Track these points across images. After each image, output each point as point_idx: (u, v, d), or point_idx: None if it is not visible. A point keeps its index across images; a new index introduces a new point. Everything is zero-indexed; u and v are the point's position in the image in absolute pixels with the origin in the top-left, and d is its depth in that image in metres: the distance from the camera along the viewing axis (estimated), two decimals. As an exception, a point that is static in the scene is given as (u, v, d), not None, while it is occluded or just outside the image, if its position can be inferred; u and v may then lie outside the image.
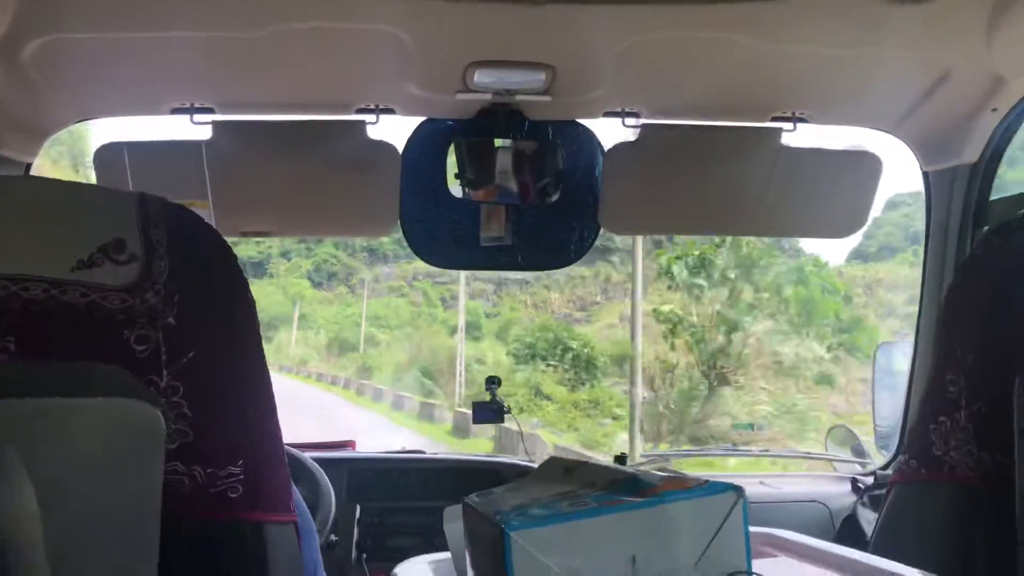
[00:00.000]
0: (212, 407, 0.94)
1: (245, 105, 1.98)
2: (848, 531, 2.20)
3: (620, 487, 0.76)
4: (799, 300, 18.45)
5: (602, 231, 2.16)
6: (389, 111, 2.00)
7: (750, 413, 17.32)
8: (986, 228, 1.95)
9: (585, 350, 22.60)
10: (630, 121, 2.03)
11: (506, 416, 2.39)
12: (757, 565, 1.02)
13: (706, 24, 1.64)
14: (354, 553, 2.14)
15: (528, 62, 1.76)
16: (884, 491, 1.41)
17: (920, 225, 2.17)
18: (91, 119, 2.03)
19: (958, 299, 1.26)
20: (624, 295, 25.70)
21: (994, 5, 1.55)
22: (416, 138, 2.08)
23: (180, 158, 1.95)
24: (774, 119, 2.04)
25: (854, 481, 2.31)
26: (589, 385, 21.95)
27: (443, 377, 23.95)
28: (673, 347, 18.64)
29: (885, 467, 2.32)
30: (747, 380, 18.01)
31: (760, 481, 2.40)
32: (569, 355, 22.42)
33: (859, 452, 2.49)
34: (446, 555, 0.99)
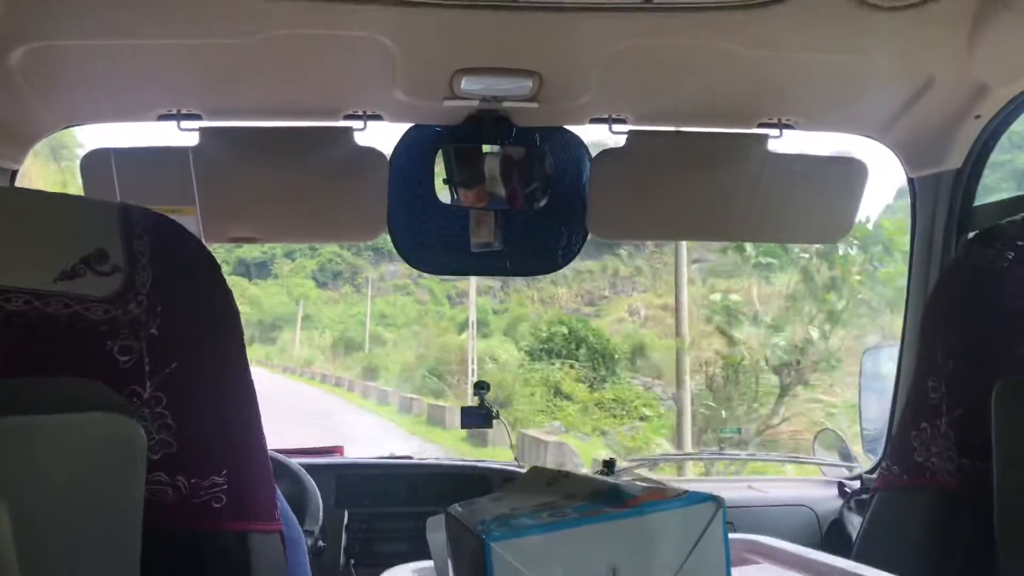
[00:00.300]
0: (195, 417, 0.94)
1: (232, 111, 1.98)
2: (834, 535, 2.21)
3: (601, 498, 0.77)
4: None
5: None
6: (377, 117, 2.01)
7: (830, 417, 14.33)
8: (969, 237, 1.97)
9: (602, 345, 21.26)
10: (617, 127, 2.04)
11: (495, 421, 2.39)
12: (740, 572, 1.03)
13: (692, 31, 1.65)
14: (342, 559, 2.14)
15: (515, 69, 1.77)
16: (869, 494, 1.42)
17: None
18: (77, 125, 2.03)
19: (939, 306, 1.27)
20: (632, 289, 25.39)
21: (976, 14, 1.56)
22: (404, 144, 2.09)
23: (167, 164, 1.94)
24: (760, 125, 2.06)
25: (841, 485, 2.33)
26: (610, 383, 20.56)
27: (453, 377, 22.54)
28: (732, 341, 16.44)
29: (871, 471, 2.34)
30: (836, 379, 14.61)
31: (748, 485, 2.41)
32: (583, 349, 21.07)
33: (846, 456, 2.51)
34: (431, 563, 0.99)
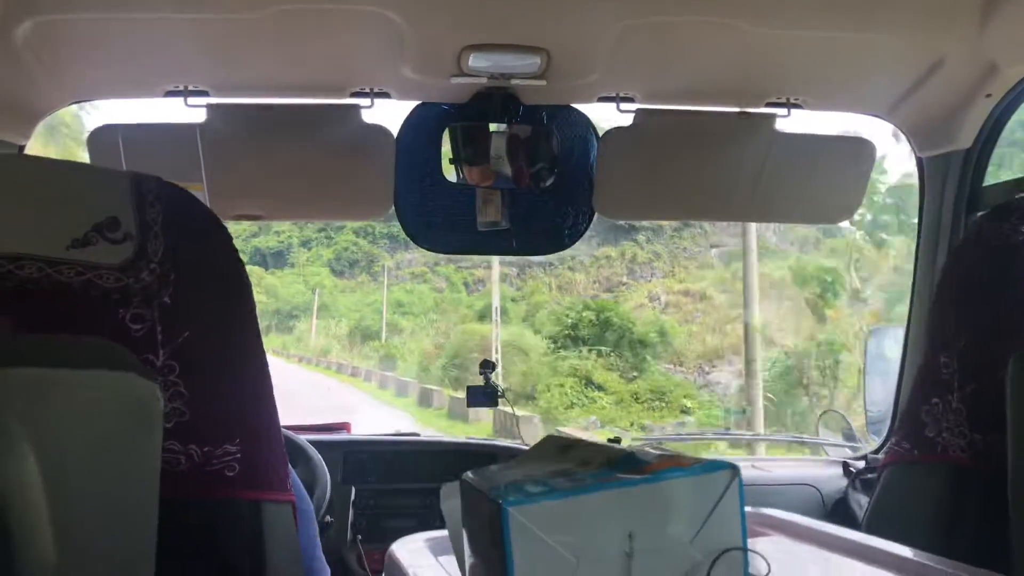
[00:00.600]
0: (208, 386, 0.94)
1: (239, 88, 1.97)
2: (839, 514, 2.22)
3: (617, 464, 0.77)
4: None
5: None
6: (384, 95, 2.00)
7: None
8: (979, 213, 1.96)
9: (632, 330, 19.72)
10: (625, 106, 2.03)
11: (500, 400, 2.39)
12: (750, 543, 1.04)
13: (701, 9, 1.64)
14: (349, 534, 2.15)
15: (523, 46, 1.76)
16: (875, 475, 1.42)
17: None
18: (84, 101, 2.02)
19: (951, 282, 1.27)
20: (651, 275, 24.85)
21: None
22: (411, 122, 2.08)
23: (174, 141, 1.94)
24: (768, 104, 2.05)
25: (845, 465, 2.33)
26: (642, 371, 19.08)
27: (474, 366, 21.52)
28: (822, 319, 15.25)
29: (876, 451, 2.34)
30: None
31: (752, 464, 2.42)
32: (610, 335, 19.50)
33: (850, 437, 2.51)
34: (442, 533, 1.00)
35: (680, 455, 0.79)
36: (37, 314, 0.88)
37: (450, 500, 0.87)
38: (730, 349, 19.56)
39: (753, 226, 14.90)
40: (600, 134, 2.10)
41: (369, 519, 2.21)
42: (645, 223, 23.46)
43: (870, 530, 1.25)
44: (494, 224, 2.12)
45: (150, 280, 0.91)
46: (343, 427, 2.47)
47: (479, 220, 2.12)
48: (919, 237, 2.13)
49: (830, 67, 1.94)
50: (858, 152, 2.10)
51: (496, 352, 19.51)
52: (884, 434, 2.34)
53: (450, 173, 2.11)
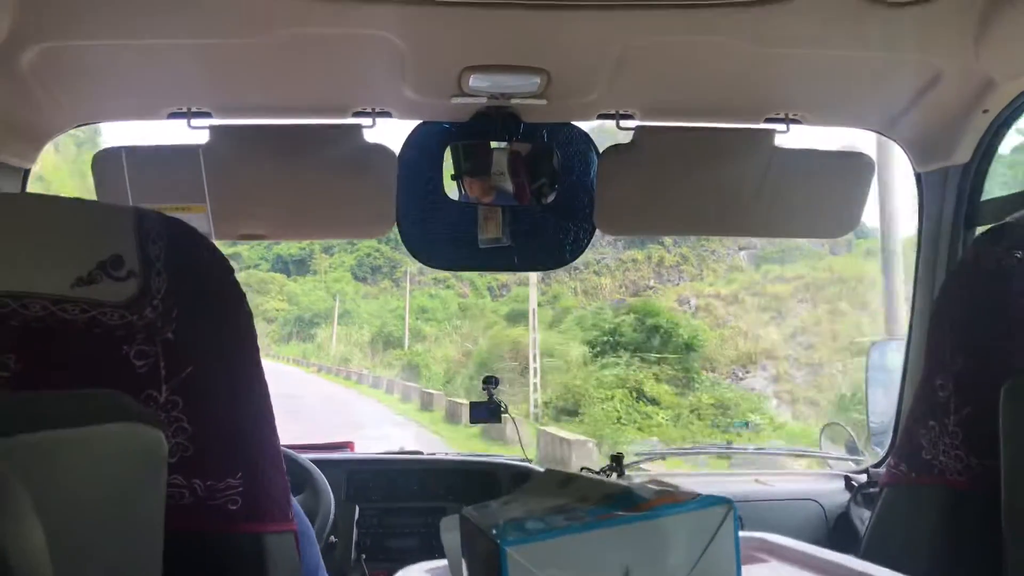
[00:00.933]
0: (211, 420, 0.96)
1: (242, 109, 1.99)
2: (842, 529, 2.23)
3: (614, 501, 0.78)
4: None
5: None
6: (385, 114, 2.02)
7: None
8: (977, 231, 1.97)
9: (680, 334, 17.52)
10: (625, 123, 2.05)
11: (503, 416, 2.40)
12: (749, 571, 1.04)
13: (699, 28, 1.65)
14: (353, 554, 2.16)
15: (523, 66, 1.77)
16: (877, 490, 1.42)
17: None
18: (88, 124, 2.04)
19: (947, 304, 1.27)
20: (679, 279, 24.47)
21: (983, 9, 1.56)
22: (412, 141, 2.10)
23: (178, 163, 1.95)
24: (767, 120, 2.06)
25: (847, 479, 2.34)
26: (692, 381, 16.93)
27: (505, 376, 17.77)
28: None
29: (878, 464, 2.35)
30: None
31: (755, 479, 2.42)
32: (656, 340, 17.37)
33: (853, 449, 2.52)
34: (444, 563, 1.01)
35: (677, 490, 0.80)
36: (42, 353, 0.89)
37: (450, 533, 0.88)
38: (763, 354, 19.05)
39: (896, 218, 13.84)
40: (600, 150, 2.11)
41: (373, 538, 2.22)
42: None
43: (869, 551, 1.26)
44: (495, 241, 2.14)
45: (153, 317, 0.92)
46: (346, 446, 2.48)
47: (480, 237, 2.14)
48: (918, 253, 2.14)
49: (828, 83, 1.95)
50: (857, 167, 2.11)
51: (534, 360, 17.73)
52: (887, 446, 2.34)
53: (452, 191, 2.12)
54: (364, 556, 2.17)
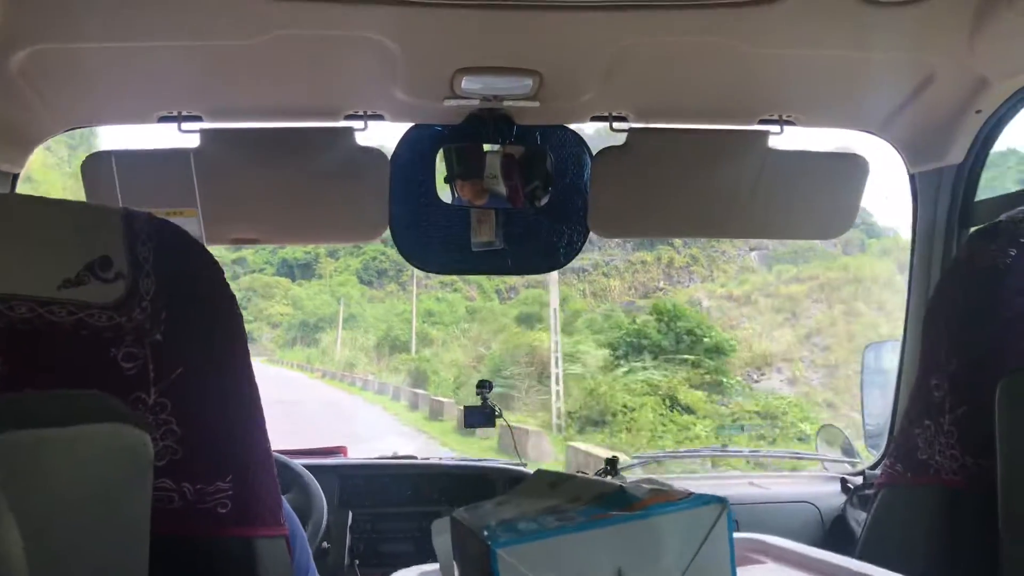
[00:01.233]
0: (200, 423, 0.94)
1: (233, 113, 1.98)
2: (838, 531, 2.22)
3: (606, 501, 0.77)
4: None
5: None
6: (378, 117, 2.01)
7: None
8: (970, 231, 1.97)
9: (709, 335, 16.07)
10: (618, 125, 2.04)
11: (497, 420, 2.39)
12: (745, 572, 1.03)
13: (692, 29, 1.64)
14: (347, 559, 2.14)
15: (515, 68, 1.77)
16: (873, 491, 1.42)
17: None
18: (78, 128, 2.03)
19: (942, 304, 1.27)
20: (689, 280, 23.94)
21: (976, 9, 1.56)
22: (405, 144, 2.09)
23: (168, 166, 1.94)
24: (761, 122, 2.06)
25: (843, 481, 2.33)
26: (722, 386, 15.42)
27: (523, 383, 17.59)
28: None
29: (874, 466, 2.34)
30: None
31: (750, 482, 2.42)
32: (682, 344, 15.83)
33: (848, 452, 2.51)
34: (437, 566, 1.00)
35: (671, 489, 0.79)
36: (28, 355, 0.88)
37: (441, 536, 0.87)
38: (779, 356, 18.61)
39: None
40: (593, 152, 2.11)
41: (367, 543, 2.21)
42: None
43: (865, 552, 1.25)
44: (488, 244, 2.13)
45: (142, 318, 0.91)
46: (339, 451, 2.47)
47: (473, 240, 2.13)
48: (913, 253, 2.13)
49: (821, 84, 1.95)
50: (851, 168, 2.11)
51: (556, 366, 15.99)
52: (882, 448, 2.34)
53: (445, 194, 2.11)
54: (358, 562, 2.16)
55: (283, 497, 1.14)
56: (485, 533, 0.73)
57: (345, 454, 2.47)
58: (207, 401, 0.96)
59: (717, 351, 16.46)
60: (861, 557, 1.09)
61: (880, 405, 2.44)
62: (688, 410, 14.68)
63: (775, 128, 2.06)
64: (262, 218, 2.07)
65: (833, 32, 1.67)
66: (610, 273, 25.61)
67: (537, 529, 0.73)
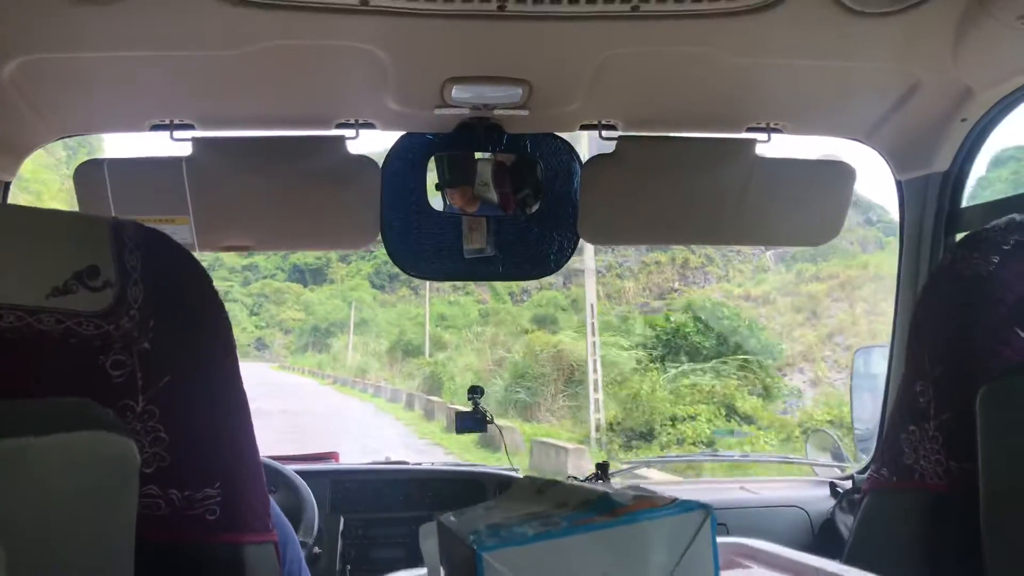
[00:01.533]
0: (188, 430, 0.95)
1: (225, 121, 1.99)
2: (827, 535, 2.23)
3: (592, 506, 0.78)
4: None
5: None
6: (369, 126, 2.02)
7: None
8: (956, 238, 1.99)
9: (759, 335, 14.87)
10: (607, 133, 2.06)
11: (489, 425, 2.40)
12: (730, 576, 1.04)
13: (680, 38, 1.66)
14: (338, 565, 2.15)
15: (505, 77, 1.78)
16: (860, 495, 1.43)
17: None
18: (70, 136, 2.04)
19: (926, 310, 1.28)
20: (704, 280, 23.72)
21: (960, 19, 1.58)
22: (396, 152, 2.10)
23: (160, 174, 1.95)
24: (749, 130, 2.08)
25: (832, 485, 2.34)
26: (770, 390, 13.98)
27: (547, 389, 16.44)
28: None
29: (863, 471, 2.35)
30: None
31: (740, 486, 2.43)
32: (726, 345, 14.47)
33: (838, 456, 2.52)
34: (424, 571, 1.00)
35: (655, 496, 0.80)
36: (16, 363, 0.88)
37: (428, 540, 0.88)
38: (800, 356, 18.20)
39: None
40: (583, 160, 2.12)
41: (358, 549, 2.21)
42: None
43: (852, 557, 1.26)
44: (480, 251, 2.14)
45: (130, 327, 0.91)
46: (331, 456, 2.47)
47: (465, 247, 2.15)
48: (900, 260, 2.15)
49: (808, 93, 1.97)
50: (838, 175, 2.13)
51: (594, 371, 13.99)
52: (872, 452, 2.35)
53: (436, 201, 2.13)
54: (349, 567, 2.16)
55: (273, 502, 1.14)
56: (471, 538, 0.74)
57: (336, 459, 2.47)
58: (195, 408, 0.96)
59: (766, 353, 15.37)
60: (848, 561, 1.10)
61: (870, 409, 2.45)
62: (747, 419, 13.31)
63: (762, 136, 2.08)
64: (254, 225, 2.08)
65: (819, 42, 1.69)
66: (624, 275, 25.35)
67: (522, 534, 0.74)
